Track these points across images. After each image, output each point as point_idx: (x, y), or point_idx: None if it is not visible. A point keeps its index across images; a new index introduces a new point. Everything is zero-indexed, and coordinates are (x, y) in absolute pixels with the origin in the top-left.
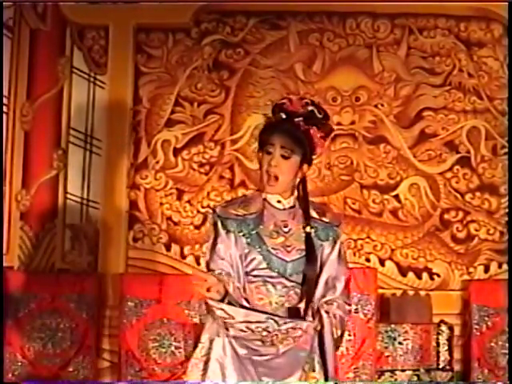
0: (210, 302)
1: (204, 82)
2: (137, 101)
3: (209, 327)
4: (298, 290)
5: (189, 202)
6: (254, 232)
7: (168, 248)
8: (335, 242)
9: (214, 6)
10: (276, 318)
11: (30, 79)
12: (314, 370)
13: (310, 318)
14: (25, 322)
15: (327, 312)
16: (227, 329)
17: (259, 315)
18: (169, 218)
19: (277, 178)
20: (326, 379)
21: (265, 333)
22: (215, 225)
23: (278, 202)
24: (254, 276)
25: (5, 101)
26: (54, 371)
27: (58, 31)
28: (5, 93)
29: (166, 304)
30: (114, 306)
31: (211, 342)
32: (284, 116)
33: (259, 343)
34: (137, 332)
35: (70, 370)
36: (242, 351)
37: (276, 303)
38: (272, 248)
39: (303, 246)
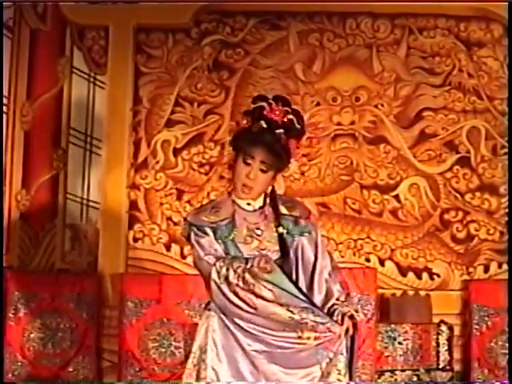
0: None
1: (204, 82)
2: (137, 101)
3: (199, 335)
4: None
5: (189, 202)
6: (228, 240)
7: (168, 248)
8: (315, 233)
9: (214, 6)
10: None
11: (29, 79)
12: (340, 373)
13: (335, 319)
14: (25, 322)
15: (352, 317)
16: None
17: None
18: (169, 218)
19: (252, 188)
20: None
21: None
22: (189, 233)
23: (248, 204)
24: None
25: (5, 101)
26: (53, 371)
27: (58, 31)
28: (5, 93)
29: (166, 304)
30: (113, 306)
31: (202, 350)
32: (264, 125)
33: (280, 328)
34: (137, 332)
35: (70, 370)
36: (251, 346)
37: None
38: (248, 255)
39: (277, 247)
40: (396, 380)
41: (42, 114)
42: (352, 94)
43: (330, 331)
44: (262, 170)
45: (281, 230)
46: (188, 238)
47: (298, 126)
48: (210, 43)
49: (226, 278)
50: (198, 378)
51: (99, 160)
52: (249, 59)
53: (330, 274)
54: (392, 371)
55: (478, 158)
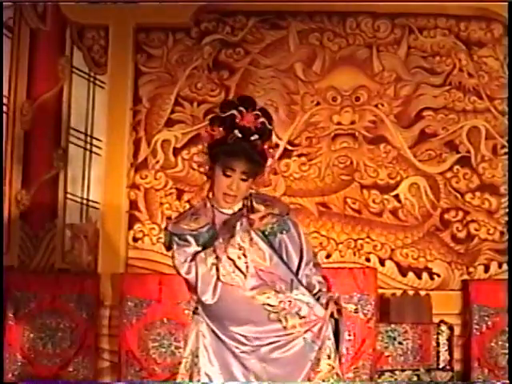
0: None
1: (204, 81)
2: (137, 100)
3: (190, 341)
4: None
5: (188, 201)
6: (210, 245)
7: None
8: (295, 229)
9: (214, 5)
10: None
11: (29, 79)
12: (329, 358)
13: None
14: (25, 322)
15: (337, 303)
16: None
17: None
18: (169, 218)
19: (235, 197)
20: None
21: (274, 303)
22: (171, 243)
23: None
24: None
25: (5, 100)
26: (53, 371)
27: (58, 31)
28: (5, 92)
29: (166, 304)
30: (113, 305)
31: (193, 354)
32: (239, 135)
33: (264, 319)
34: (137, 332)
35: (70, 369)
36: (240, 349)
37: None
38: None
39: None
40: (396, 380)
41: (41, 113)
42: (352, 94)
43: (315, 315)
44: (243, 179)
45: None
46: (169, 248)
47: (269, 127)
48: (210, 43)
49: (215, 268)
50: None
51: (99, 160)
52: (249, 59)
53: (311, 269)
54: (392, 371)
55: (478, 158)
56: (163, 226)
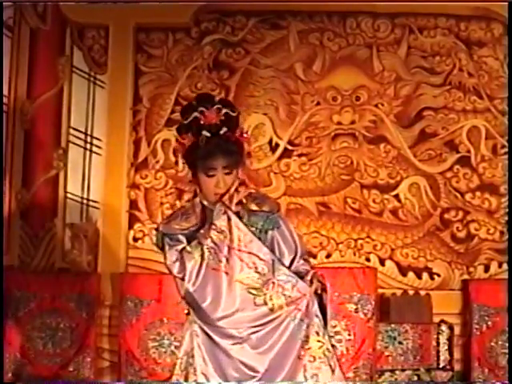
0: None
1: (204, 81)
2: (137, 100)
3: (185, 341)
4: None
5: (189, 201)
6: (195, 240)
7: None
8: (286, 226)
9: (214, 5)
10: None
11: (30, 78)
12: (318, 334)
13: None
14: (25, 322)
15: (320, 281)
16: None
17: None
18: None
19: (226, 192)
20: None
21: (257, 285)
22: (163, 243)
23: None
24: None
25: (5, 100)
26: (54, 371)
27: (58, 31)
28: (5, 92)
29: (166, 304)
30: (113, 305)
31: (188, 355)
32: (208, 134)
33: (250, 303)
34: (137, 332)
35: (70, 369)
36: (232, 341)
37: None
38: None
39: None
40: (396, 379)
41: (42, 113)
42: (352, 94)
43: (299, 291)
44: (227, 173)
45: (247, 223)
46: (162, 248)
47: (234, 115)
48: (210, 42)
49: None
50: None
51: (99, 159)
52: (249, 58)
53: (298, 262)
54: (392, 371)
55: (478, 158)
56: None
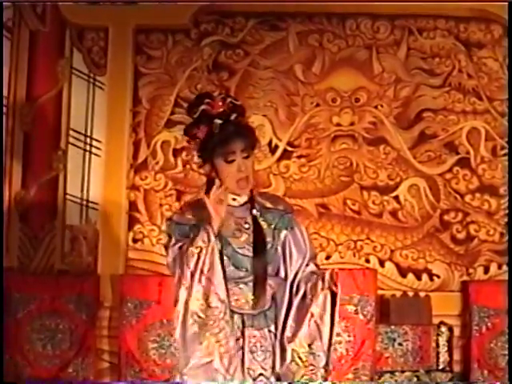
0: None
1: (204, 82)
2: (136, 102)
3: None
4: (272, 282)
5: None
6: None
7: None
8: (298, 227)
9: (213, 6)
10: None
11: (29, 80)
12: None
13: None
14: (24, 324)
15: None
16: None
17: None
18: (169, 219)
19: (247, 178)
20: None
21: None
22: (173, 233)
23: (233, 199)
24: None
25: (4, 102)
26: (53, 372)
27: (58, 32)
28: (4, 94)
29: (166, 305)
30: (113, 307)
31: None
32: (220, 121)
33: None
34: (136, 333)
35: (70, 371)
36: None
37: (252, 300)
38: (238, 248)
39: (268, 238)
40: (396, 381)
41: (41, 115)
42: (352, 95)
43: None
44: (246, 157)
45: (255, 212)
46: (170, 237)
47: (238, 103)
48: (210, 44)
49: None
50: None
51: (99, 161)
52: (248, 60)
53: (307, 265)
54: (392, 372)
55: (477, 159)
56: (163, 226)
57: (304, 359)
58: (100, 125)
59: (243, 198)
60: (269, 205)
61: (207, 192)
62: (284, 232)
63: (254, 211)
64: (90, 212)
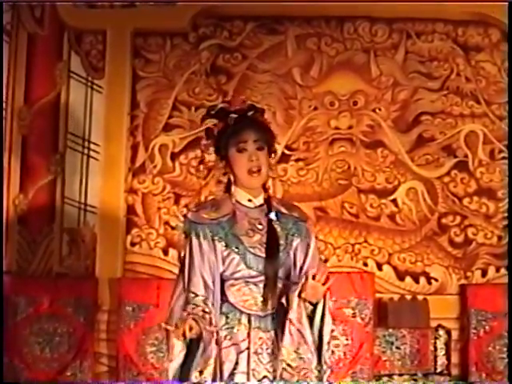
0: None
1: (202, 86)
2: (134, 105)
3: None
4: (280, 285)
5: (186, 206)
6: (230, 233)
7: (165, 252)
8: (309, 238)
9: (211, 10)
10: None
11: (27, 84)
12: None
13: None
14: (22, 327)
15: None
16: None
17: None
18: (166, 223)
19: (259, 170)
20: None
21: None
22: (189, 233)
23: (249, 200)
24: (235, 279)
25: (3, 105)
26: (51, 375)
27: (56, 36)
28: (2, 97)
29: (164, 308)
30: (111, 310)
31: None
32: (235, 115)
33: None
34: (135, 336)
35: (68, 374)
36: None
37: (261, 302)
38: (250, 247)
39: (280, 241)
40: None
41: (39, 118)
42: (350, 99)
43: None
44: (259, 148)
45: (272, 216)
46: (186, 236)
47: (258, 105)
48: (208, 47)
49: None
50: None
51: (97, 164)
52: (246, 63)
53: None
54: (390, 375)
55: (475, 163)
56: (161, 231)
57: (294, 365)
58: (98, 128)
59: (259, 200)
60: (284, 210)
61: (227, 191)
62: (297, 241)
63: (272, 215)
64: (88, 215)
